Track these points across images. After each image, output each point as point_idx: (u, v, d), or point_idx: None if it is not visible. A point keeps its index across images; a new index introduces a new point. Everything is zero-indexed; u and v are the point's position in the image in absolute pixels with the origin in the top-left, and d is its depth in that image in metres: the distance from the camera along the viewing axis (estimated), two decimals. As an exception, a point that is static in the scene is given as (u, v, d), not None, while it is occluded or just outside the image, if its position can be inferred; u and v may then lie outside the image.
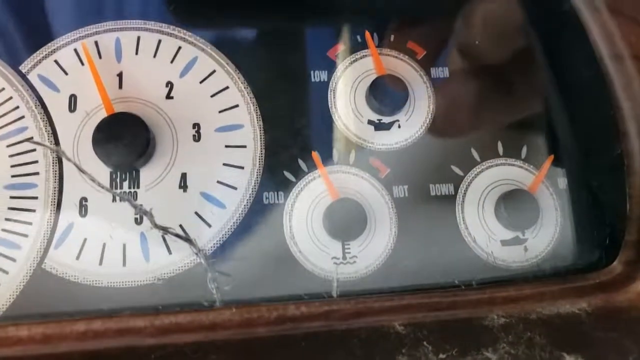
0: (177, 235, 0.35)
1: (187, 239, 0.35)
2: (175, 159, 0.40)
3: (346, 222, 0.39)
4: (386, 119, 0.43)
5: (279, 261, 0.39)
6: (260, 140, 0.41)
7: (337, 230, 0.39)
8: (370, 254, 0.40)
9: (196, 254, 0.35)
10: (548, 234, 0.42)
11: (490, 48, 0.44)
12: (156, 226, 0.34)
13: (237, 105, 0.42)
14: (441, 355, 0.34)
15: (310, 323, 0.36)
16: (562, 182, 0.43)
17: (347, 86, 0.43)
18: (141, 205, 0.35)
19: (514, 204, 0.41)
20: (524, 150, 0.43)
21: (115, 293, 0.38)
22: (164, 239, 0.39)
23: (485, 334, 0.36)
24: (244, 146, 0.41)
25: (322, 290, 0.38)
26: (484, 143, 0.43)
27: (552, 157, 0.43)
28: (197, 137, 0.41)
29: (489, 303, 0.38)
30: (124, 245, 0.38)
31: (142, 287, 0.38)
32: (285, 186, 0.41)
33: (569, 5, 0.37)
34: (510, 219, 0.41)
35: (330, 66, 0.43)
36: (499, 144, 0.43)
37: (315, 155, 0.41)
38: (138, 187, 0.39)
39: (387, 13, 0.45)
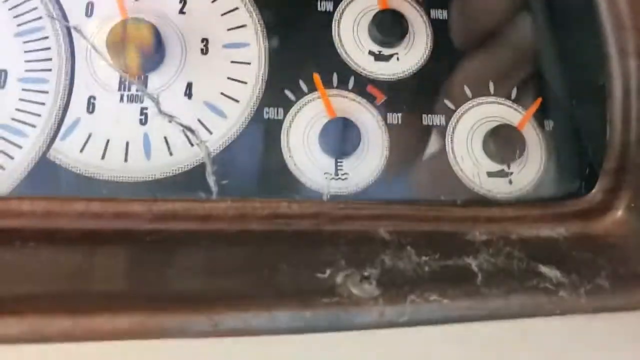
0: (181, 124, 0.36)
1: (189, 129, 0.36)
2: (183, 69, 0.42)
3: (341, 139, 0.41)
4: (386, 51, 0.45)
5: (275, 171, 0.41)
6: (265, 59, 0.43)
7: (331, 147, 0.41)
8: (361, 172, 0.42)
9: (197, 144, 0.37)
10: (533, 169, 0.44)
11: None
12: (161, 112, 0.36)
13: (244, 25, 0.44)
14: (423, 258, 0.36)
15: (301, 221, 0.37)
16: (549, 123, 0.45)
17: (350, 17, 0.45)
18: (149, 92, 0.37)
19: (501, 138, 0.43)
20: (514, 91, 0.45)
21: (116, 186, 0.39)
22: (166, 141, 0.40)
23: (467, 246, 0.38)
24: (249, 63, 0.43)
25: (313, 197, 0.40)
26: (477, 81, 0.45)
27: (540, 99, 0.45)
28: (204, 51, 0.43)
29: (472, 220, 0.40)
30: (127, 143, 0.40)
31: (142, 183, 0.39)
32: (285, 103, 0.43)
33: None
34: (497, 151, 0.43)
35: (336, -2, 0.46)
36: (491, 84, 0.45)
37: (316, 76, 0.43)
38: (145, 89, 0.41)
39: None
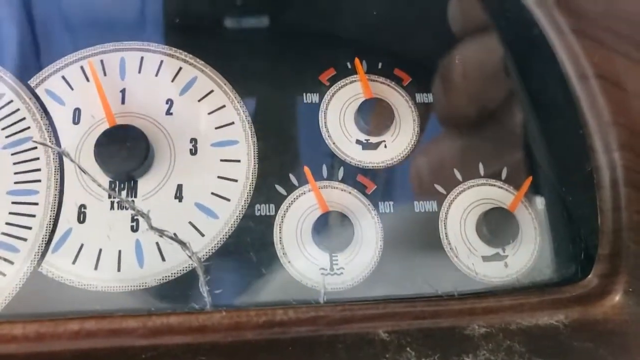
0: (172, 238, 0.36)
1: (181, 242, 0.36)
2: (172, 171, 0.42)
3: (334, 233, 0.41)
4: (373, 139, 0.45)
5: (268, 270, 0.41)
6: (254, 156, 0.43)
7: (326, 242, 0.41)
8: (357, 265, 0.42)
9: (190, 256, 0.36)
10: (527, 250, 0.44)
11: (471, 77, 0.47)
12: (152, 228, 0.36)
13: (232, 123, 0.44)
14: (423, 360, 0.35)
15: (298, 328, 0.37)
16: (540, 202, 0.45)
17: (337, 108, 0.46)
18: (139, 208, 0.37)
19: (495, 222, 0.43)
20: (504, 171, 0.46)
21: (109, 297, 0.39)
22: (158, 247, 0.40)
23: (467, 341, 0.38)
24: (238, 160, 0.43)
25: (309, 299, 0.40)
26: (466, 164, 0.46)
27: (530, 178, 0.45)
28: (194, 151, 0.43)
29: (470, 313, 0.39)
30: (120, 252, 0.40)
31: (136, 292, 0.39)
32: (276, 199, 0.43)
33: (538, 30, 0.40)
34: (491, 235, 0.43)
35: (321, 89, 0.46)
36: (480, 165, 0.46)
37: (307, 169, 0.43)
38: (135, 196, 0.41)
39: (375, 42, 0.49)
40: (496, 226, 0.43)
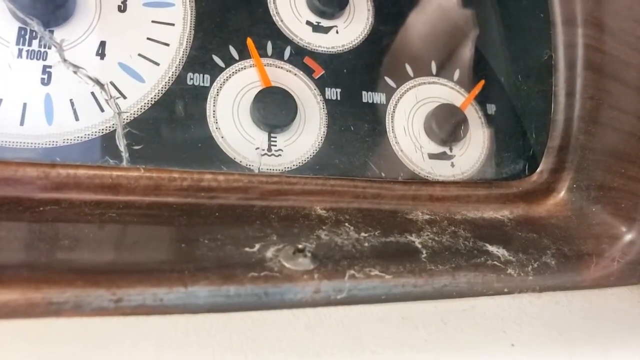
0: (88, 77, 0.31)
1: (97, 82, 0.31)
2: (96, 26, 0.37)
3: (275, 111, 0.37)
4: (325, 23, 0.42)
5: (198, 142, 0.36)
6: (191, 21, 0.39)
7: (265, 119, 0.37)
8: (297, 149, 0.38)
9: (107, 100, 0.32)
10: (475, 153, 0.42)
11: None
12: (65, 61, 0.31)
13: (169, -17, 0.40)
14: (363, 234, 0.32)
15: (227, 194, 0.33)
16: (491, 107, 0.43)
17: (287, -16, 0.42)
18: (51, 37, 0.31)
19: (444, 116, 0.41)
20: (457, 72, 0.44)
21: (8, 152, 0.33)
22: (72, 104, 0.35)
23: (409, 224, 0.35)
24: (172, 24, 0.39)
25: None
26: (419, 60, 0.43)
27: (482, 81, 0.44)
28: (122, 8, 0.38)
29: (414, 198, 0.37)
30: (25, 105, 0.34)
31: (41, 150, 0.34)
32: (212, 70, 0.38)
33: None
34: (439, 132, 0.41)
35: (269, -37, 0.42)
36: (433, 63, 0.44)
37: (250, 42, 0.39)
38: (49, 47, 0.35)
39: None
40: (446, 122, 0.41)
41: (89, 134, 0.35)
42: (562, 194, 0.38)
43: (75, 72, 0.32)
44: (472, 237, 0.34)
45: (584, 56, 0.36)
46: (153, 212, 0.31)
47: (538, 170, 0.38)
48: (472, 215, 0.37)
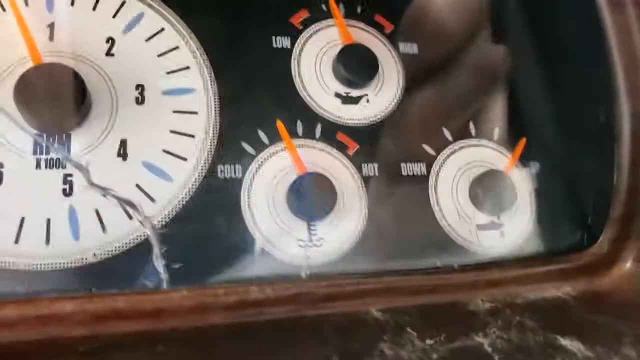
0: (118, 198, 0.29)
1: (129, 203, 0.29)
2: (115, 123, 0.34)
3: (313, 199, 0.35)
4: (354, 93, 0.39)
5: (236, 242, 0.34)
6: (215, 107, 0.36)
7: (304, 208, 0.35)
8: (338, 236, 0.36)
9: (141, 222, 0.29)
10: (524, 217, 0.40)
11: (460, 22, 0.42)
12: (92, 184, 0.28)
13: (187, 67, 0.37)
14: (428, 341, 0.30)
15: (276, 308, 0.31)
16: (536, 164, 0.41)
17: (312, 55, 0.40)
18: (75, 159, 0.29)
19: (488, 186, 0.39)
20: (497, 131, 0.41)
21: (35, 277, 0.30)
22: (98, 214, 0.32)
23: (473, 318, 0.33)
24: (195, 112, 0.36)
25: (287, 273, 0.33)
26: (456, 123, 0.41)
27: (524, 139, 0.41)
28: (140, 100, 0.35)
29: (472, 287, 0.34)
30: (48, 220, 0.31)
31: (70, 271, 0.31)
32: (243, 159, 0.36)
33: None
34: (486, 201, 0.38)
35: (293, 33, 0.40)
36: (471, 124, 0.41)
37: (280, 124, 0.36)
38: (68, 154, 0.33)
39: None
40: (492, 190, 0.38)
41: (120, 246, 0.32)
42: (628, 264, 0.36)
43: (104, 196, 0.29)
44: (540, 329, 0.32)
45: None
46: (200, 339, 0.29)
47: (600, 240, 0.36)
48: (534, 297, 0.35)
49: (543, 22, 0.41)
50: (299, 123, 0.38)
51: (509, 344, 0.30)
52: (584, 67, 0.38)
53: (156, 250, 0.29)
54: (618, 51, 0.34)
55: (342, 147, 0.38)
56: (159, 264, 0.29)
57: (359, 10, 0.42)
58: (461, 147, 0.40)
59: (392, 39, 0.42)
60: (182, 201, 0.34)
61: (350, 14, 0.41)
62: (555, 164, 0.40)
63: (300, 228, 0.35)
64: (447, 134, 0.40)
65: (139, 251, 0.31)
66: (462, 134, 0.41)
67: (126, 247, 0.32)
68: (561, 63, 0.40)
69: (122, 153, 0.34)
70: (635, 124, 0.34)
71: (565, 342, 0.31)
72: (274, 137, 0.37)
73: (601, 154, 0.36)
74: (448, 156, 0.40)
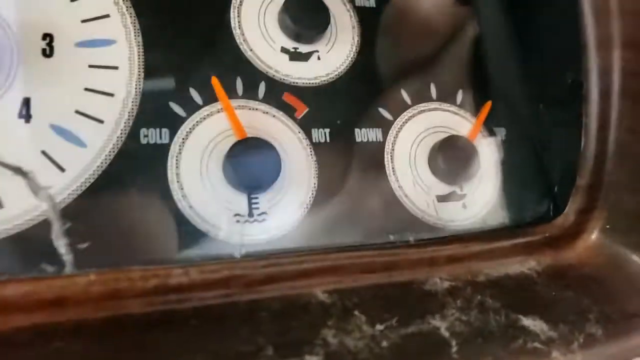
0: (6, 166, 0.24)
1: (18, 170, 0.24)
2: (15, 79, 0.29)
3: (254, 168, 0.30)
4: (303, 48, 0.35)
5: (160, 219, 0.29)
6: (139, 61, 0.31)
7: (243, 179, 0.30)
8: (283, 209, 0.32)
9: (34, 193, 0.24)
10: (488, 189, 0.36)
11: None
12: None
13: (107, 15, 0.31)
14: (378, 327, 0.26)
15: (203, 293, 0.26)
16: (502, 130, 0.37)
17: (255, 3, 0.35)
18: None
19: (451, 153, 0.35)
20: (460, 94, 0.38)
21: None
22: (-7, 185, 0.27)
23: (430, 299, 0.29)
24: (116, 67, 0.31)
25: (220, 254, 0.29)
26: (416, 85, 0.37)
27: (489, 103, 0.37)
28: (48, 52, 0.30)
29: (431, 263, 0.31)
30: None
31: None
32: (171, 121, 0.31)
33: None
34: (447, 169, 0.35)
35: (232, -22, 0.35)
36: (432, 87, 0.37)
37: (215, 81, 0.32)
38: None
39: None
40: (454, 158, 0.35)
41: (19, 224, 0.27)
42: (593, 235, 0.33)
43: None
44: (502, 308, 0.29)
45: (620, 83, 0.30)
46: (111, 331, 0.24)
47: (566, 210, 0.33)
48: (497, 273, 0.31)
49: None
50: (238, 81, 0.33)
51: (468, 327, 0.27)
52: (552, 18, 0.34)
53: (56, 227, 0.24)
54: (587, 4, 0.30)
55: (289, 110, 0.34)
56: (60, 243, 0.24)
57: (308, -43, 0.37)
58: (421, 111, 0.36)
59: (347, -10, 0.37)
60: (98, 170, 0.29)
61: (298, -40, 0.36)
62: (521, 129, 0.37)
63: (240, 201, 0.31)
64: (406, 97, 0.36)
65: (41, 230, 0.27)
66: (422, 96, 0.37)
67: (28, 225, 0.27)
68: (529, 17, 0.36)
69: (25, 114, 0.29)
70: (604, 82, 0.31)
71: (527, 322, 0.28)
72: (209, 97, 0.32)
73: (569, 118, 0.33)
74: (406, 121, 0.36)
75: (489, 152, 0.37)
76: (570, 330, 0.28)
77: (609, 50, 0.30)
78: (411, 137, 0.36)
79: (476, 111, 0.37)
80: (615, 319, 0.30)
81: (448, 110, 0.37)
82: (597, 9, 0.30)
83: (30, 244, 0.26)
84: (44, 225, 0.26)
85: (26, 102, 0.29)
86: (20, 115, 0.29)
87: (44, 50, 0.30)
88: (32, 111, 0.29)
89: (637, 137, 0.30)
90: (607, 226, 0.33)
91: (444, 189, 0.35)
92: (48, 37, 0.30)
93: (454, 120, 0.37)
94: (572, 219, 0.33)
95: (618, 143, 0.31)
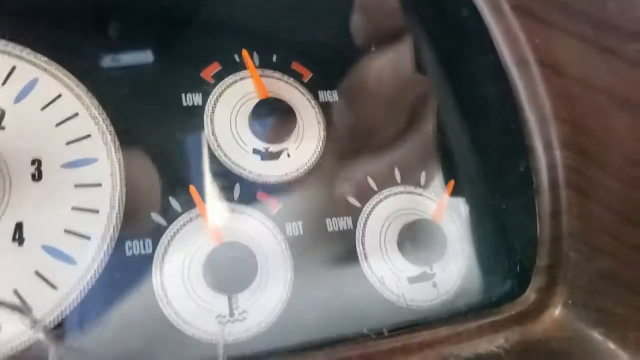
0: (3, 304, 0.26)
1: (16, 308, 0.26)
2: (8, 205, 0.31)
3: (232, 270, 0.33)
4: (273, 147, 0.38)
5: (149, 327, 0.31)
6: (120, 177, 0.34)
7: (222, 282, 0.33)
8: (263, 306, 0.34)
9: (32, 327, 0.26)
10: (456, 266, 0.39)
11: (382, 67, 0.40)
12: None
13: (88, 135, 0.34)
14: None
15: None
16: (465, 209, 0.40)
17: (226, 111, 0.37)
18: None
19: (418, 235, 0.37)
20: (423, 176, 0.40)
21: None
22: (-10, 309, 0.29)
23: (403, 388, 0.31)
24: (99, 184, 0.33)
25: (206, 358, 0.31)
26: (381, 171, 0.39)
27: (452, 182, 0.40)
28: (37, 176, 0.32)
29: (404, 351, 0.33)
30: None
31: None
32: (153, 231, 0.33)
33: (470, 10, 0.34)
34: (416, 251, 0.37)
35: (205, 88, 0.37)
36: (396, 171, 0.40)
37: (193, 190, 0.34)
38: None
39: (267, 31, 0.41)
40: (421, 240, 0.37)
41: (16, 346, 0.29)
42: (557, 310, 0.35)
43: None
44: (472, 391, 0.31)
45: (565, 178, 0.33)
46: None
47: (529, 289, 0.35)
48: (466, 354, 0.34)
49: (460, 75, 0.40)
50: (214, 186, 0.35)
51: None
52: (500, 121, 0.37)
53: (52, 353, 0.26)
54: (528, 109, 0.33)
55: (263, 208, 0.36)
56: (56, 367, 0.27)
57: (274, 58, 0.40)
58: (386, 196, 0.39)
59: (311, 88, 0.40)
60: (87, 285, 0.31)
61: (265, 64, 0.39)
62: (483, 210, 0.40)
63: (220, 302, 0.33)
64: (372, 183, 0.39)
65: (35, 352, 0.29)
66: (387, 181, 0.39)
67: (23, 345, 0.29)
68: (479, 116, 0.39)
69: (18, 237, 0.31)
70: (552, 175, 0.34)
71: (498, 408, 0.30)
72: (188, 204, 0.34)
73: (524, 205, 0.35)
74: (374, 207, 0.38)
75: (454, 231, 0.39)
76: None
77: (551, 151, 0.33)
78: (380, 222, 0.38)
79: (440, 191, 0.40)
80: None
81: (413, 193, 0.40)
82: (537, 118, 0.33)
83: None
84: (39, 346, 0.29)
85: (19, 227, 0.31)
86: (14, 239, 0.31)
87: (33, 175, 0.32)
88: (25, 234, 0.31)
89: (585, 223, 0.33)
90: (569, 302, 0.36)
91: (414, 270, 0.38)
92: (36, 162, 0.33)
93: (419, 201, 0.40)
94: (535, 296, 0.35)
95: (570, 228, 0.34)
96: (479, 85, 0.38)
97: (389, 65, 0.41)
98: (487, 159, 0.39)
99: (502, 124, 0.37)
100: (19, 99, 0.34)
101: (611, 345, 0.32)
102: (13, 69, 0.34)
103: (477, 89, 0.38)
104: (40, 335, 0.26)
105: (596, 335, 0.33)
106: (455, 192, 0.39)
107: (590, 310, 0.33)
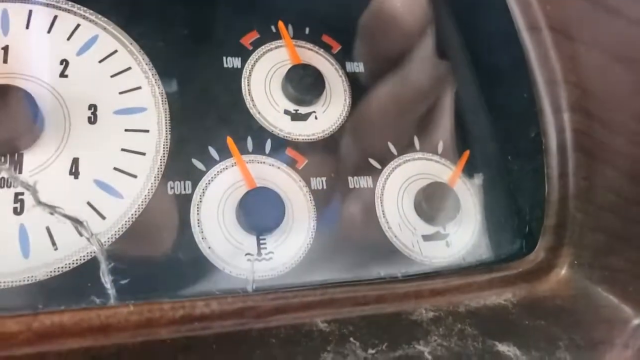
0: (65, 216, 0.29)
1: (76, 221, 0.29)
2: (67, 143, 0.35)
3: (262, 213, 0.36)
4: (303, 110, 0.41)
5: (185, 257, 0.35)
6: (166, 125, 0.37)
7: (252, 223, 0.36)
8: (288, 249, 0.37)
9: (88, 238, 0.30)
10: (468, 228, 0.41)
11: (403, 40, 0.44)
12: (40, 203, 0.29)
13: (139, 87, 0.38)
14: (370, 351, 0.31)
15: (222, 322, 0.31)
16: (479, 176, 0.43)
17: (262, 74, 0.41)
18: (23, 179, 0.29)
19: (434, 196, 0.40)
20: (440, 145, 0.43)
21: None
22: (49, 232, 0.33)
23: (415, 327, 0.34)
24: (147, 130, 0.37)
25: (235, 288, 0.34)
26: (401, 138, 0.42)
27: (467, 152, 0.43)
28: (92, 119, 0.36)
29: (416, 296, 0.36)
30: (-4, 240, 0.32)
31: (20, 289, 0.31)
32: (193, 175, 0.37)
33: None
34: (431, 212, 0.40)
35: (244, 53, 0.41)
36: (415, 139, 0.43)
37: (230, 141, 0.38)
38: (20, 172, 0.33)
39: (302, 6, 0.44)
40: (436, 201, 0.40)
41: (70, 264, 0.33)
42: (563, 270, 0.37)
43: (52, 214, 0.30)
44: (480, 335, 0.33)
45: (572, 140, 0.35)
46: (147, 354, 0.29)
47: (536, 248, 0.38)
48: (475, 304, 0.36)
49: (476, 43, 0.43)
50: (249, 139, 0.39)
51: (448, 352, 0.32)
52: (512, 86, 0.40)
53: (103, 266, 0.30)
54: (538, 73, 0.36)
55: (291, 162, 0.39)
56: (107, 279, 0.30)
57: (307, 31, 0.43)
58: (406, 161, 0.42)
59: (339, 59, 0.43)
60: (132, 217, 0.35)
61: (298, 35, 0.43)
62: (495, 176, 0.42)
63: (250, 242, 0.36)
64: (392, 149, 0.42)
65: (89, 268, 0.32)
66: (406, 148, 0.42)
67: (76, 263, 0.33)
68: (493, 82, 0.42)
69: (74, 171, 0.35)
70: (560, 138, 0.36)
71: (502, 347, 0.32)
72: (224, 154, 0.38)
73: (534, 167, 0.38)
74: (393, 169, 0.41)
75: (468, 196, 0.42)
76: (541, 356, 0.33)
77: (560, 114, 0.36)
78: (398, 183, 0.41)
79: (456, 159, 0.43)
80: (583, 346, 0.34)
81: (430, 160, 0.43)
82: (546, 80, 0.35)
83: (81, 279, 0.32)
84: (91, 264, 0.32)
85: (75, 162, 0.35)
86: (71, 173, 0.35)
87: (89, 118, 0.36)
88: (80, 169, 0.35)
89: (591, 184, 0.35)
90: (575, 262, 0.38)
91: (428, 229, 0.40)
92: (93, 107, 0.36)
93: (436, 168, 0.42)
94: (543, 255, 0.38)
95: (577, 189, 0.36)
96: (494, 52, 0.41)
97: (412, 40, 0.44)
98: (500, 125, 0.42)
99: (514, 88, 0.39)
100: (81, 52, 0.37)
101: (614, 300, 0.34)
102: (77, 26, 0.38)
103: (492, 55, 0.41)
104: (96, 247, 0.30)
105: (600, 292, 0.35)
106: (470, 160, 0.42)
107: (595, 269, 0.36)
